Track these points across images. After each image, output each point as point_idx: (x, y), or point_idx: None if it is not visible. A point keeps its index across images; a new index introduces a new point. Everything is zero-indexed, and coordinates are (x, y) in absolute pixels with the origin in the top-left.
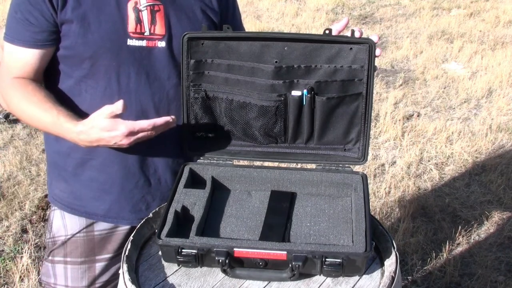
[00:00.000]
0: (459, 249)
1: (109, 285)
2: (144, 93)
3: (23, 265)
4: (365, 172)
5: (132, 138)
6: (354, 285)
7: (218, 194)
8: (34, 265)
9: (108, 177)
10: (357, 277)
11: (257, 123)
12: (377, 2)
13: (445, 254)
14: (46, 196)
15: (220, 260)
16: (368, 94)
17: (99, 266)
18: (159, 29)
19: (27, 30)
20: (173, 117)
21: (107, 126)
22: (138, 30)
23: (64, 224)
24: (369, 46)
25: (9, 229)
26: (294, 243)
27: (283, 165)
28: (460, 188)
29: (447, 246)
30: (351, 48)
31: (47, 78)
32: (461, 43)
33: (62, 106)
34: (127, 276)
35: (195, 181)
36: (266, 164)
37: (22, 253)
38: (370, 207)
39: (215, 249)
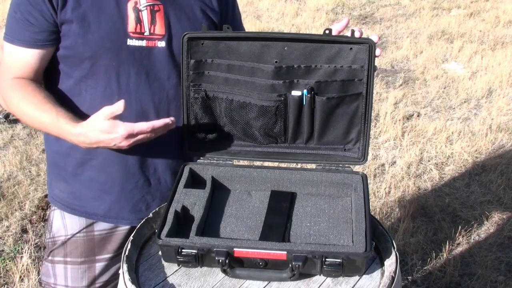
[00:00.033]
0: (459, 249)
1: (109, 285)
2: (144, 93)
3: (23, 265)
4: (365, 172)
5: (131, 140)
6: (354, 285)
7: (218, 194)
8: (34, 265)
9: (108, 177)
10: (357, 277)
11: (257, 123)
12: (377, 2)
13: (445, 254)
14: (46, 196)
15: (220, 260)
16: (368, 94)
17: (99, 266)
18: (159, 29)
19: (27, 30)
20: (172, 119)
21: (106, 128)
22: (138, 30)
23: (64, 224)
24: (369, 46)
25: (9, 229)
26: (294, 243)
27: (283, 165)
28: (460, 188)
29: (447, 246)
30: (351, 48)
31: (47, 78)
32: (461, 43)
33: (62, 107)
34: (127, 276)
35: (195, 181)
36: (266, 164)
37: (22, 253)
38: (370, 207)
39: (215, 249)
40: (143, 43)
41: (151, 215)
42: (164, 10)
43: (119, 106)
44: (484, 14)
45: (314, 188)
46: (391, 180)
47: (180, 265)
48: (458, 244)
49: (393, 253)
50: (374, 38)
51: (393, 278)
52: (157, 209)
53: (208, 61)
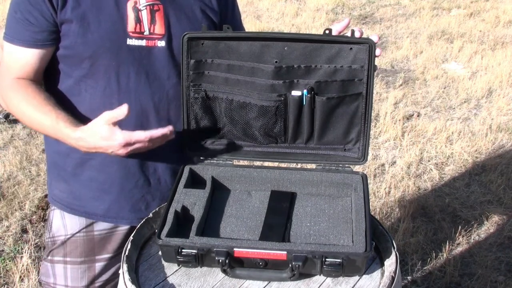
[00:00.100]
0: (459, 249)
1: (108, 284)
2: (143, 93)
3: (23, 265)
4: (365, 172)
5: (129, 148)
6: (354, 285)
7: (218, 194)
8: (34, 265)
9: (108, 176)
10: (357, 277)
11: (257, 123)
12: (377, 2)
13: (445, 254)
14: (46, 196)
15: (220, 260)
16: (368, 94)
17: (99, 266)
18: (159, 28)
19: (27, 30)
20: (171, 129)
21: (105, 134)
22: (138, 30)
23: (63, 224)
24: (369, 46)
25: (9, 229)
26: (294, 243)
27: (283, 165)
28: (460, 188)
29: (447, 246)
30: (351, 48)
31: (47, 78)
32: (461, 43)
33: (62, 110)
34: (127, 276)
35: (195, 181)
36: (266, 164)
37: (22, 253)
38: (370, 207)
39: (215, 249)
40: (142, 42)
41: (151, 215)
42: (164, 10)
43: (121, 111)
44: (484, 14)
45: (314, 188)
46: (391, 180)
47: (180, 265)
48: (458, 244)
49: (393, 253)
50: (374, 38)
51: (393, 278)
52: (157, 209)
53: (208, 61)
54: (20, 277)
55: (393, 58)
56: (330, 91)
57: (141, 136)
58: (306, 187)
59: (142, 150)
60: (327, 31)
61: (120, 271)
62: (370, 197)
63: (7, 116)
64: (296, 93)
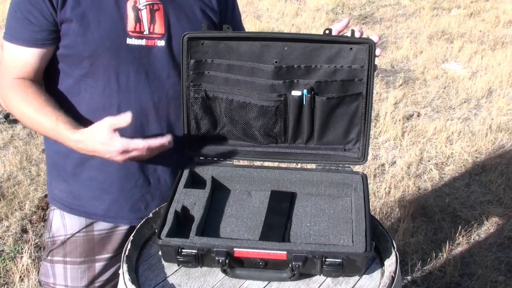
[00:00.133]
0: (459, 249)
1: (108, 284)
2: (143, 92)
3: (23, 265)
4: (365, 172)
5: (126, 156)
6: (354, 285)
7: (218, 194)
8: (34, 265)
9: (108, 176)
10: (357, 277)
11: (257, 123)
12: (377, 2)
13: (445, 254)
14: (46, 196)
15: (220, 260)
16: (368, 94)
17: (98, 266)
18: (159, 28)
19: (27, 29)
20: (169, 139)
21: (103, 139)
22: (138, 29)
23: (63, 223)
24: (369, 46)
25: (9, 229)
26: (294, 243)
27: (283, 165)
28: (460, 188)
29: (447, 246)
30: (351, 48)
31: (47, 78)
32: (461, 43)
33: (62, 112)
34: (127, 276)
35: (195, 181)
36: (266, 164)
37: (22, 253)
38: (370, 207)
39: (215, 249)
40: (142, 42)
41: (151, 215)
42: (164, 9)
43: (124, 120)
44: (484, 14)
45: (314, 188)
46: (391, 180)
47: (180, 265)
48: (458, 244)
49: (393, 253)
50: (375, 38)
51: (393, 278)
52: (157, 209)
53: (208, 61)
54: (20, 277)
55: (393, 58)
56: (330, 91)
57: (139, 144)
58: (306, 187)
59: (139, 159)
60: (327, 31)
61: (120, 271)
62: (370, 197)
63: (7, 116)
64: (296, 93)
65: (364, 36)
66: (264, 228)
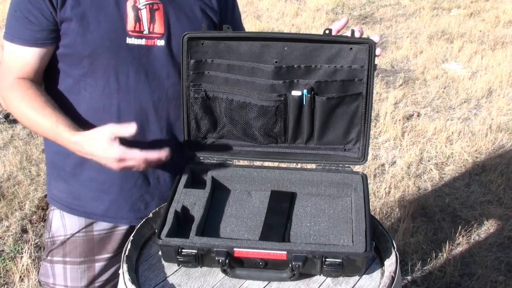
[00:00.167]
0: (459, 249)
1: (108, 284)
2: (143, 92)
3: (23, 265)
4: (365, 172)
5: (122, 164)
6: (354, 285)
7: (218, 194)
8: (34, 265)
9: (107, 176)
10: (357, 277)
11: (257, 123)
12: (377, 2)
13: (445, 254)
14: (46, 196)
15: (220, 260)
16: (368, 94)
17: (98, 266)
18: (158, 27)
19: (27, 28)
20: (167, 154)
21: (102, 145)
22: (137, 29)
23: (63, 224)
24: (369, 46)
25: (9, 229)
26: (294, 243)
27: (283, 165)
28: (460, 188)
29: (447, 246)
30: (351, 48)
31: (47, 77)
32: (461, 43)
33: (62, 113)
34: (127, 276)
35: (195, 181)
36: (266, 164)
37: (22, 253)
38: (370, 207)
39: (215, 249)
40: (142, 41)
41: (151, 215)
42: (164, 9)
43: (128, 130)
44: (484, 14)
45: (314, 188)
46: (391, 180)
47: (180, 265)
48: (458, 244)
49: (393, 253)
50: (375, 38)
51: (393, 278)
52: (157, 209)
53: (208, 61)
54: (20, 277)
55: (393, 58)
56: (330, 91)
57: (136, 155)
58: (306, 187)
59: (135, 169)
60: (327, 31)
61: (120, 271)
62: (370, 197)
63: (7, 116)
64: (296, 93)
65: (364, 36)
66: (264, 228)
